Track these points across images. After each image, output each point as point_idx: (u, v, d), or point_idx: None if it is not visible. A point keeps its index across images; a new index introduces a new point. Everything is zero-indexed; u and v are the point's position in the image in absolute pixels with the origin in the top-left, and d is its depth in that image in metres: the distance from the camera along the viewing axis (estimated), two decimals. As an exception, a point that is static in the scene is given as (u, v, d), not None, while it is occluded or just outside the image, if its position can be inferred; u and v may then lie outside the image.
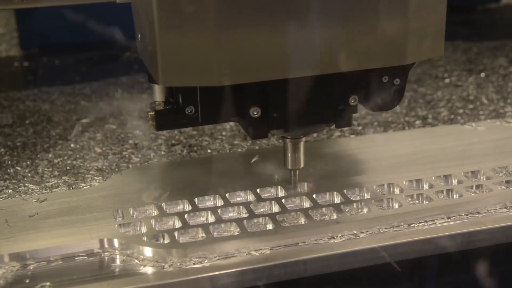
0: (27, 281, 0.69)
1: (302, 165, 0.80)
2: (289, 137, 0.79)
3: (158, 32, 0.66)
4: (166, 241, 0.73)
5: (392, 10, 0.70)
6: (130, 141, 1.03)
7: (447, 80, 1.28)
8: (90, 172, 0.92)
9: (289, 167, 0.81)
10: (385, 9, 0.70)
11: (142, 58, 0.76)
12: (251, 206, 0.79)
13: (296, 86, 0.72)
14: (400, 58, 0.72)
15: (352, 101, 0.76)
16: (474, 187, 0.83)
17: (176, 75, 0.68)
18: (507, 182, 0.83)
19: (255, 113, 0.73)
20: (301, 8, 0.68)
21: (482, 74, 1.30)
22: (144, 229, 0.75)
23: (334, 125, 0.78)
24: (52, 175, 0.92)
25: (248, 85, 0.71)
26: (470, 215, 0.78)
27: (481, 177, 0.85)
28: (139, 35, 0.75)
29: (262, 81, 0.70)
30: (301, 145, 0.79)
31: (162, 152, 0.98)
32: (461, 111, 1.12)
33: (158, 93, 0.76)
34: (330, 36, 0.69)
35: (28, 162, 0.96)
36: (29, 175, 0.92)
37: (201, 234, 0.74)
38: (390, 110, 0.82)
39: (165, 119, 0.75)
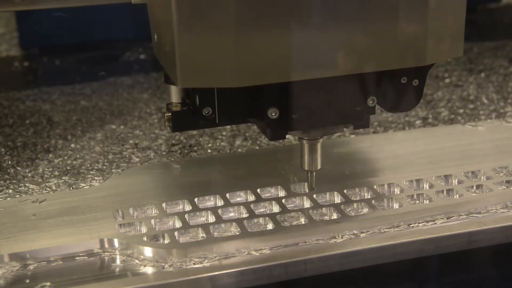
0: (27, 281, 0.69)
1: (319, 167, 0.79)
2: (306, 138, 0.78)
3: (176, 33, 0.65)
4: (166, 241, 0.73)
5: (412, 11, 0.69)
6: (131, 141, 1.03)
7: (447, 80, 1.28)
8: (91, 172, 0.92)
9: (306, 168, 0.79)
10: (405, 10, 0.69)
11: (158, 59, 0.76)
12: (251, 206, 0.79)
13: (315, 87, 0.72)
14: (420, 59, 0.72)
15: (371, 102, 0.75)
16: (474, 187, 0.83)
17: (195, 76, 0.67)
18: (508, 182, 0.83)
19: (273, 114, 0.73)
20: (320, 10, 0.67)
21: (482, 74, 1.30)
22: (144, 229, 0.75)
23: (351, 126, 0.78)
24: (52, 175, 0.92)
25: (266, 86, 0.70)
26: (470, 215, 0.78)
27: (482, 177, 0.85)
28: (156, 36, 0.75)
29: (280, 82, 0.70)
30: (318, 146, 0.78)
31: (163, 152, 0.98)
32: (461, 111, 1.12)
33: (174, 94, 0.76)
34: (349, 37, 0.69)
35: (29, 162, 0.96)
36: (29, 175, 0.92)
37: (201, 234, 0.74)
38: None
39: (182, 120, 0.75)
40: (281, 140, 0.85)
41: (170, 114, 0.74)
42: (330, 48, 0.69)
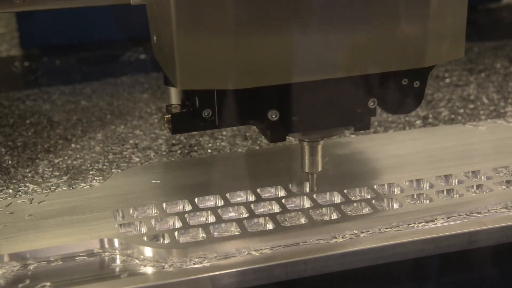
0: (27, 281, 0.69)
1: (320, 169, 0.79)
2: (306, 140, 0.78)
3: (176, 34, 0.65)
4: (167, 241, 0.73)
5: (413, 12, 0.69)
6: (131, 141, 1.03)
7: (447, 80, 1.28)
8: (91, 172, 0.92)
9: (307, 170, 0.80)
10: (406, 12, 0.69)
11: (158, 60, 0.76)
12: (251, 206, 0.79)
13: (315, 89, 0.71)
14: (420, 60, 0.72)
15: (371, 104, 0.75)
16: (474, 187, 0.83)
17: (194, 78, 0.67)
18: (508, 182, 0.83)
19: (273, 116, 0.73)
20: (321, 11, 0.67)
21: (483, 74, 1.30)
22: (144, 229, 0.75)
23: (352, 128, 0.77)
24: (52, 175, 0.92)
25: (266, 88, 0.70)
26: (470, 215, 0.78)
27: (482, 177, 0.85)
28: (155, 37, 0.75)
29: (281, 84, 0.70)
30: (319, 148, 0.78)
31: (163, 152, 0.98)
32: (461, 111, 1.12)
33: (174, 96, 0.75)
34: (350, 39, 0.69)
35: (29, 162, 0.96)
36: (29, 175, 0.92)
37: (201, 234, 0.74)
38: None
39: (182, 122, 0.74)
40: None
41: (169, 116, 0.74)
42: (331, 50, 0.69)
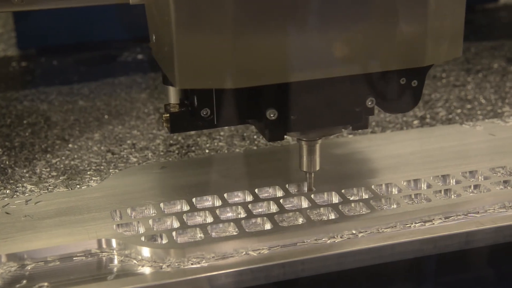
0: (25, 281, 0.68)
1: (318, 168, 0.80)
2: (304, 139, 0.78)
3: (175, 34, 0.65)
4: (164, 241, 0.73)
5: (411, 12, 0.70)
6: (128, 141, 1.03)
7: (445, 80, 1.28)
8: (88, 172, 0.92)
9: (305, 169, 0.80)
10: (404, 11, 0.69)
11: (156, 60, 0.76)
12: (249, 206, 0.79)
13: (313, 88, 0.72)
14: (419, 60, 0.72)
15: (369, 103, 0.75)
16: (472, 187, 0.83)
17: (193, 77, 0.67)
18: (505, 182, 0.83)
19: (271, 115, 0.73)
20: (319, 11, 0.67)
21: (480, 74, 1.30)
22: (142, 229, 0.75)
23: (350, 127, 0.77)
24: (50, 176, 0.91)
25: (265, 87, 0.70)
26: (468, 215, 0.78)
27: (479, 177, 0.85)
28: (154, 37, 0.75)
29: (279, 83, 0.70)
30: (317, 147, 0.78)
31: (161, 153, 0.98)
32: (459, 111, 1.12)
33: (172, 95, 0.75)
34: (348, 38, 0.69)
35: (26, 163, 0.96)
36: (27, 175, 0.92)
37: (199, 234, 0.74)
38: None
39: (180, 121, 0.75)
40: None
41: (168, 115, 0.74)
42: (329, 49, 0.69)
